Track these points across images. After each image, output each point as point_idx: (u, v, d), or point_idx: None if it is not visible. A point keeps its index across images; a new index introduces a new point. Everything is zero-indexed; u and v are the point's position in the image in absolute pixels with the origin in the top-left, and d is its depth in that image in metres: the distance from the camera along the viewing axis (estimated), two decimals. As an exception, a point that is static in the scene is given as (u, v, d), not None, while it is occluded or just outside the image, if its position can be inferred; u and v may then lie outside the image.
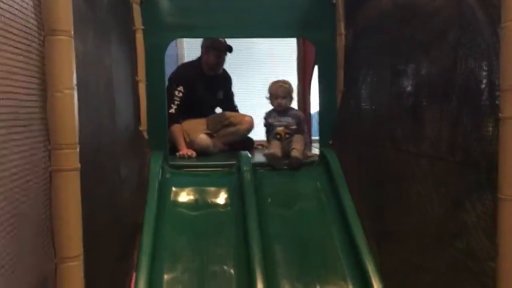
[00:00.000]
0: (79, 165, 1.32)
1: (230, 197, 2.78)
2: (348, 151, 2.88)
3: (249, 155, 3.01)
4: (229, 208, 2.74)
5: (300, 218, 2.67)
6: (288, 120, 3.11)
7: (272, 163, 2.97)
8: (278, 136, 3.06)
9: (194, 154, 3.32)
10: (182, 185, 2.83)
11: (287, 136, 3.06)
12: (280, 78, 3.26)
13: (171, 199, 2.74)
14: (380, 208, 2.41)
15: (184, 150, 3.32)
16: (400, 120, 2.20)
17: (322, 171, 2.91)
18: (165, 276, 2.27)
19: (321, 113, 3.16)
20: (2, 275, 1.05)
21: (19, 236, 1.14)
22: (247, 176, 2.77)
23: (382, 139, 2.37)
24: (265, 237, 2.46)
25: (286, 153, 2.99)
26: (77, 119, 1.32)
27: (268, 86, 3.19)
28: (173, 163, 3.05)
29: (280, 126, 3.09)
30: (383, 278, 2.21)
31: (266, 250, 2.38)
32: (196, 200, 2.77)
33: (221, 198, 2.80)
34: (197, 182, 2.90)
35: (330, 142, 3.07)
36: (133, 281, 2.11)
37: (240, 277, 2.31)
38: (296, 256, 2.45)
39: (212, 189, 2.85)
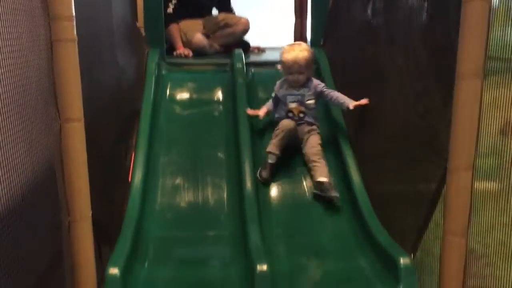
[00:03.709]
0: (76, 37, 1.47)
1: (223, 94, 2.95)
2: (336, 51, 3.00)
3: (243, 53, 3.12)
4: (221, 103, 2.91)
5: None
6: (304, 92, 2.52)
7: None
8: (290, 114, 2.52)
9: (190, 53, 3.45)
10: (177, 81, 2.99)
11: (301, 115, 2.51)
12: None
13: (167, 92, 2.91)
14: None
15: (181, 49, 3.44)
16: (381, 17, 2.31)
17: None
18: (161, 157, 2.50)
19: (313, 14, 3.24)
20: (15, 136, 1.23)
21: (26, 100, 1.31)
22: (239, 73, 2.91)
23: (365, 37, 2.49)
24: (254, 132, 2.65)
25: (297, 138, 2.49)
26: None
27: (281, 51, 2.56)
28: (169, 61, 3.19)
29: (293, 100, 2.51)
30: (359, 163, 2.43)
31: (254, 142, 2.58)
32: (190, 95, 2.94)
33: (215, 94, 2.96)
34: (192, 78, 3.05)
35: (321, 43, 3.18)
36: (132, 159, 2.35)
37: (229, 160, 2.53)
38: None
39: (207, 85, 3.01)
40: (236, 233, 2.13)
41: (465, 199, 1.65)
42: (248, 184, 2.29)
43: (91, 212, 1.60)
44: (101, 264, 1.78)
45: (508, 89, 1.55)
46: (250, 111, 2.62)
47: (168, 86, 2.95)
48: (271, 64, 2.90)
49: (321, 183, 2.29)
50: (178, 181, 2.44)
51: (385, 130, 2.26)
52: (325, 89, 2.54)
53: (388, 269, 1.79)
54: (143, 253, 1.98)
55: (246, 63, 3.01)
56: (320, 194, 2.30)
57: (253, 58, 3.43)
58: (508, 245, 1.58)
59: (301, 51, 2.49)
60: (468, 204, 1.66)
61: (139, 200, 2.16)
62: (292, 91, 2.51)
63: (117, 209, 2.12)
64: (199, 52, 3.52)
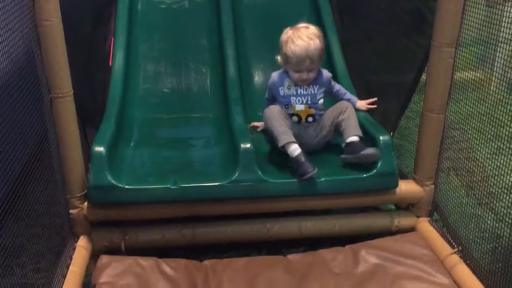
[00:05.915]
0: None
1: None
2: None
3: None
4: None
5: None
6: (313, 90, 1.92)
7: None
8: (295, 118, 1.92)
9: None
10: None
11: (309, 119, 1.93)
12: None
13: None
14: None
15: None
16: None
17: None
18: (142, 43, 2.44)
19: None
20: None
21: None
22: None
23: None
24: (237, 17, 2.56)
25: (309, 143, 1.90)
26: None
27: (283, 38, 1.86)
28: None
29: (301, 102, 1.91)
30: (343, 45, 2.40)
31: (237, 27, 2.51)
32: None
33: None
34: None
35: None
36: (111, 44, 2.28)
37: (212, 46, 2.49)
38: (265, 32, 2.59)
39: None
40: (219, 115, 2.16)
41: (447, 75, 1.67)
42: (231, 67, 2.28)
43: (72, 90, 1.58)
44: (88, 145, 1.80)
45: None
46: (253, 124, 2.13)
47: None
48: None
49: (351, 143, 1.80)
50: (160, 67, 2.41)
51: (371, 12, 2.22)
52: (332, 81, 2.00)
53: (370, 146, 1.83)
54: (128, 134, 2.01)
55: None
56: (352, 161, 1.80)
57: None
58: (484, 132, 1.63)
59: (312, 40, 1.81)
60: (449, 80, 1.67)
61: (121, 84, 2.15)
62: (298, 90, 1.91)
63: (100, 93, 2.10)
64: None
